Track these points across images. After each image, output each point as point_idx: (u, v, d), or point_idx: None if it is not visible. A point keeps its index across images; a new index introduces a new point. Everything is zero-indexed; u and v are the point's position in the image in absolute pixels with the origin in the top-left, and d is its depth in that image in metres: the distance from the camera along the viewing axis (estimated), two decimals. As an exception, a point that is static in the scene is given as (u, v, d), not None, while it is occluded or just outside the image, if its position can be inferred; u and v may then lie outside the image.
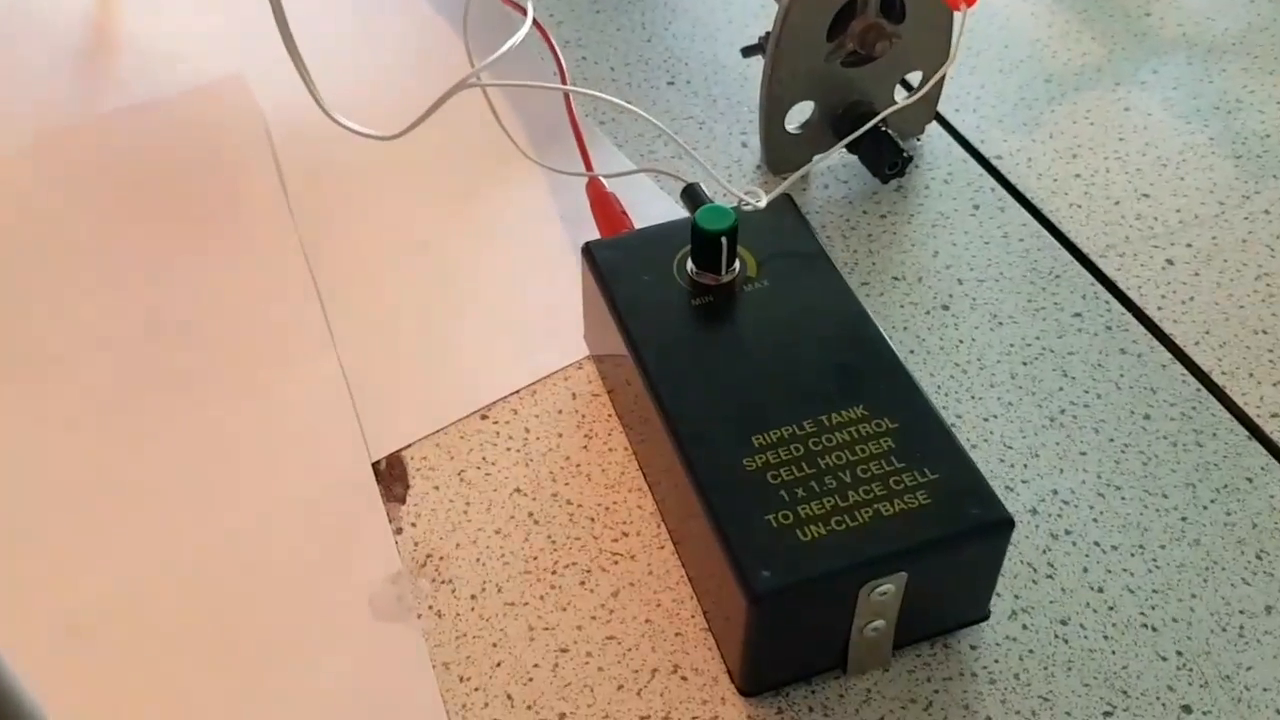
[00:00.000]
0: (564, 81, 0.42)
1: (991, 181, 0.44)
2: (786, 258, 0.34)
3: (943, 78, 0.44)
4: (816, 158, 0.43)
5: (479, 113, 0.42)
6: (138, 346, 0.39)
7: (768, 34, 0.44)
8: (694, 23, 0.52)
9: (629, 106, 0.34)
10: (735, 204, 0.32)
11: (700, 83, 0.49)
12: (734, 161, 0.46)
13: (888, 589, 0.28)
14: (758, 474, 0.29)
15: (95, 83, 0.47)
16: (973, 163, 0.45)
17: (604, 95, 0.34)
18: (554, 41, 0.44)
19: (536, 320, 0.40)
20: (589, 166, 0.41)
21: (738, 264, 0.34)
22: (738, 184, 0.45)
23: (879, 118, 0.41)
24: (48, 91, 0.47)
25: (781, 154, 0.44)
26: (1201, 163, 0.44)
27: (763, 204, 0.32)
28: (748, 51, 0.45)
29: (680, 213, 0.42)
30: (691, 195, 0.40)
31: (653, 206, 0.43)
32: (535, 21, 0.34)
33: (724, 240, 0.33)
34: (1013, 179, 0.44)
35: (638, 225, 0.40)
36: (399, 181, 0.44)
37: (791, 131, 0.44)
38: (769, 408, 0.31)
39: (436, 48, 0.49)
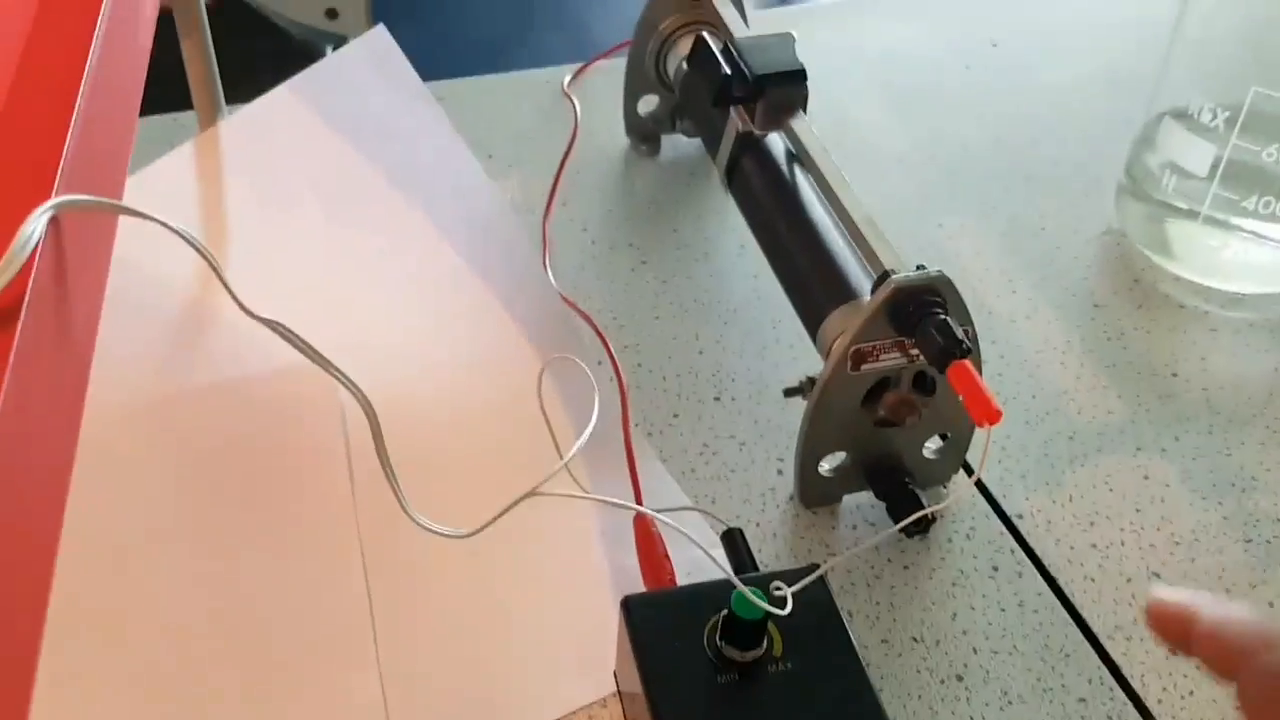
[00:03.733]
0: (625, 414, 0.45)
1: (1011, 542, 0.46)
2: (813, 640, 0.37)
3: (967, 443, 0.47)
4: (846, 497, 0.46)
5: (534, 420, 0.46)
6: (186, 625, 0.41)
7: (808, 379, 0.48)
8: (744, 336, 0.56)
9: (692, 507, 0.37)
10: (765, 597, 0.35)
11: (745, 400, 0.52)
12: (769, 489, 0.49)
13: None
14: None
15: (189, 356, 0.51)
16: (994, 519, 0.47)
17: (675, 524, 0.37)
18: (614, 351, 0.48)
19: (570, 646, 0.42)
20: (639, 499, 0.44)
21: (765, 641, 0.36)
22: (770, 511, 0.48)
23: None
24: (144, 362, 0.51)
25: (814, 493, 0.47)
26: (1213, 544, 0.46)
27: (787, 610, 0.35)
28: (789, 393, 0.48)
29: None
30: (730, 541, 0.43)
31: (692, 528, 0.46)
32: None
33: (753, 629, 0.35)
34: (1032, 542, 0.46)
35: (670, 546, 0.43)
36: (459, 482, 0.47)
37: (824, 474, 0.47)
38: (780, 805, 0.33)
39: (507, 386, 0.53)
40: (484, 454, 0.49)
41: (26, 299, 0.20)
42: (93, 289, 0.24)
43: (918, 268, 0.42)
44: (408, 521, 0.46)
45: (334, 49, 1.06)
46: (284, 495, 0.46)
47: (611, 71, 0.72)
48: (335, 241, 0.56)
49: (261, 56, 1.00)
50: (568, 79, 0.71)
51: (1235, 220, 0.56)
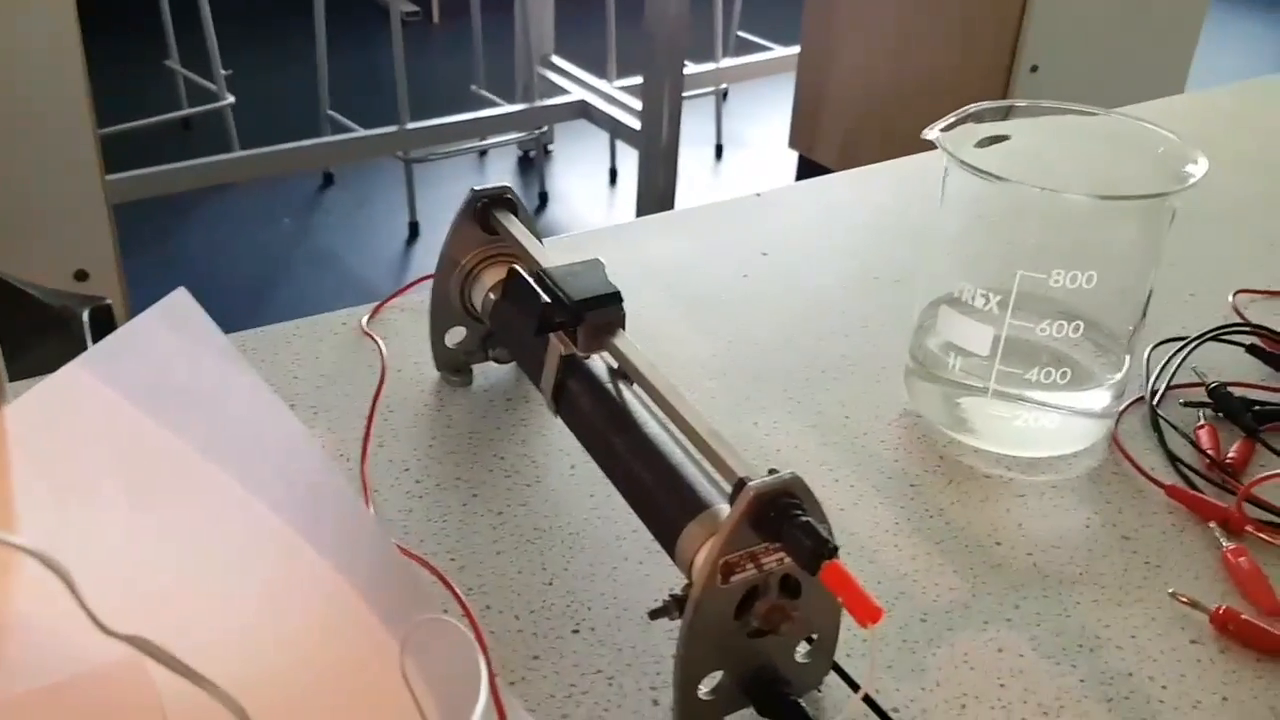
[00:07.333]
0: (489, 669, 0.43)
1: (895, 738, 0.46)
2: None
3: (834, 642, 0.47)
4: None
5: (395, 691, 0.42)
6: None
7: (673, 596, 0.47)
8: (592, 559, 0.54)
9: None
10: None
11: (605, 629, 0.51)
12: (647, 721, 0.47)
13: None
14: None
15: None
16: (873, 716, 0.47)
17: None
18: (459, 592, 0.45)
19: None
20: (515, 758, 0.41)
21: None
22: (653, 747, 0.46)
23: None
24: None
25: (696, 719, 0.46)
26: (1078, 709, 0.48)
27: None
28: (655, 614, 0.47)
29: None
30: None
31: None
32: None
33: None
34: (913, 733, 0.46)
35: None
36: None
37: (704, 697, 0.45)
38: None
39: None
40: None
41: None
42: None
43: (770, 472, 0.43)
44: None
45: (90, 313, 1.01)
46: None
47: (406, 308, 0.72)
48: (145, 527, 0.52)
49: (21, 332, 0.94)
50: (365, 318, 0.70)
51: (1021, 392, 0.60)
